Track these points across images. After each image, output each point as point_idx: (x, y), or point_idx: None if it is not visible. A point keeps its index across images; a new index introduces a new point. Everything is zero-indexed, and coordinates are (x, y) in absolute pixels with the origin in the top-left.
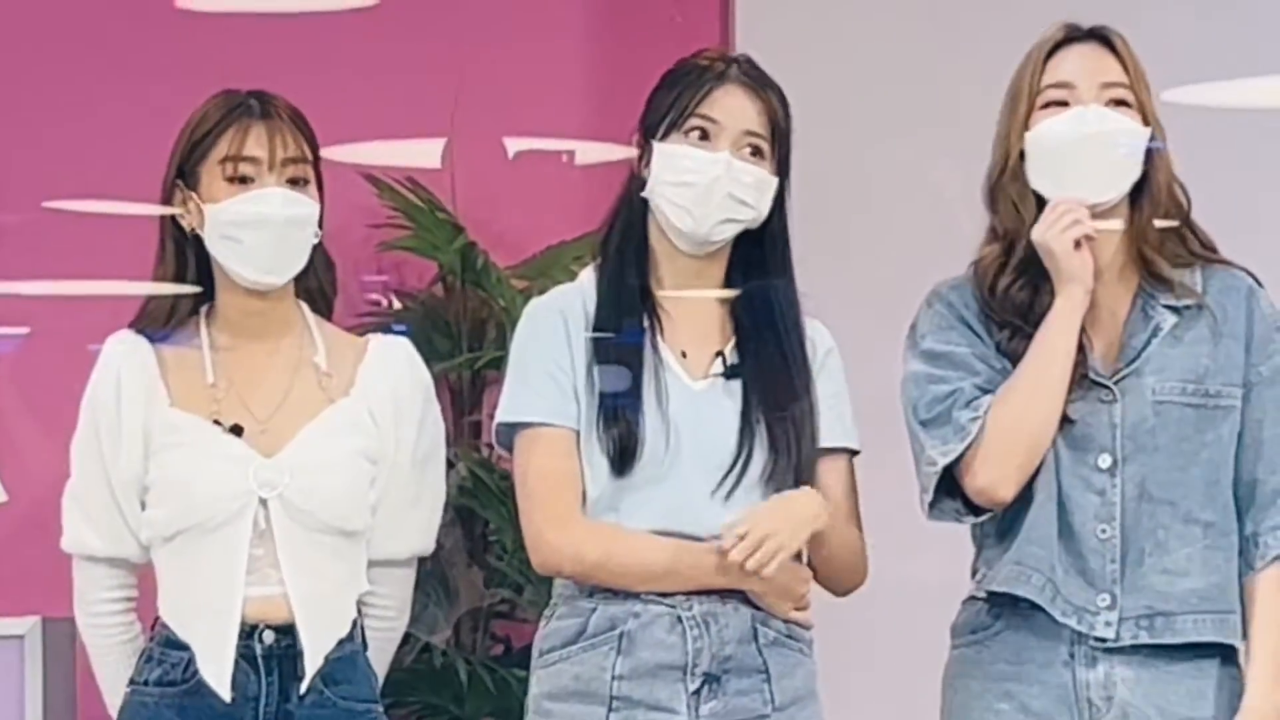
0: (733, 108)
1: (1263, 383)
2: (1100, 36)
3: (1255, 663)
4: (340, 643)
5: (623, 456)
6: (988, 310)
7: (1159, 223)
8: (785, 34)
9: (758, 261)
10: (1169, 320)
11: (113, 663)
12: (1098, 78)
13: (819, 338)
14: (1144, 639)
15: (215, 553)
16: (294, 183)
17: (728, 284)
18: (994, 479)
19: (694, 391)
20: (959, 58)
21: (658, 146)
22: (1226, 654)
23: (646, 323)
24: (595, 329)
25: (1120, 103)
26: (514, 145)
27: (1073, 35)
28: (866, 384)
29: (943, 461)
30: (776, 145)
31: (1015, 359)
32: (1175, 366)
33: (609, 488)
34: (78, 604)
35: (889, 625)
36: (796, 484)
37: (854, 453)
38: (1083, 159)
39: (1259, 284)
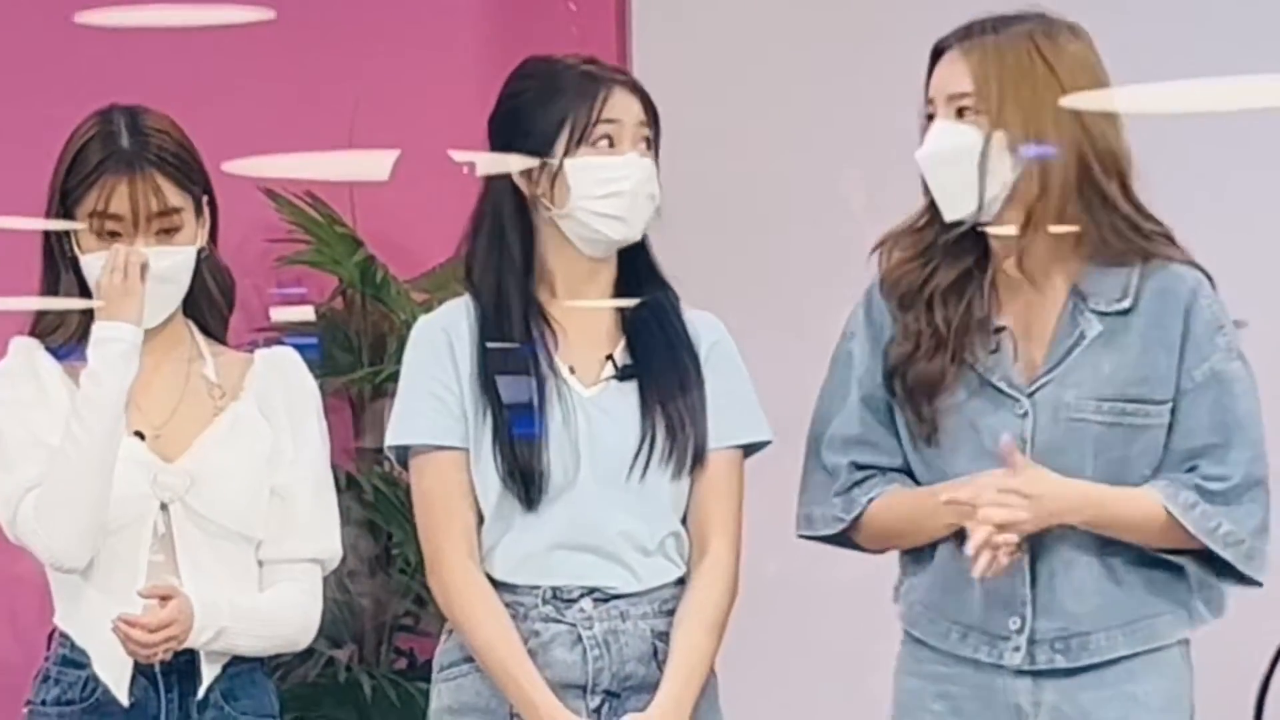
0: (625, 108)
1: (1195, 389)
2: (962, 42)
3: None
4: (239, 657)
5: (529, 489)
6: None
7: (1056, 229)
8: (682, 44)
9: (632, 259)
10: (1095, 328)
11: None
12: (946, 90)
13: (704, 329)
14: (1060, 663)
15: (114, 557)
16: (165, 233)
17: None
18: (869, 544)
19: (586, 399)
20: (861, 65)
21: (570, 163)
22: (1154, 656)
23: (539, 337)
24: (482, 348)
25: (970, 111)
26: (412, 157)
27: (941, 46)
28: (772, 391)
29: (818, 507)
30: (656, 138)
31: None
32: (1094, 379)
33: (504, 506)
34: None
35: (820, 619)
36: (692, 468)
37: (757, 445)
38: (934, 177)
39: (1209, 278)
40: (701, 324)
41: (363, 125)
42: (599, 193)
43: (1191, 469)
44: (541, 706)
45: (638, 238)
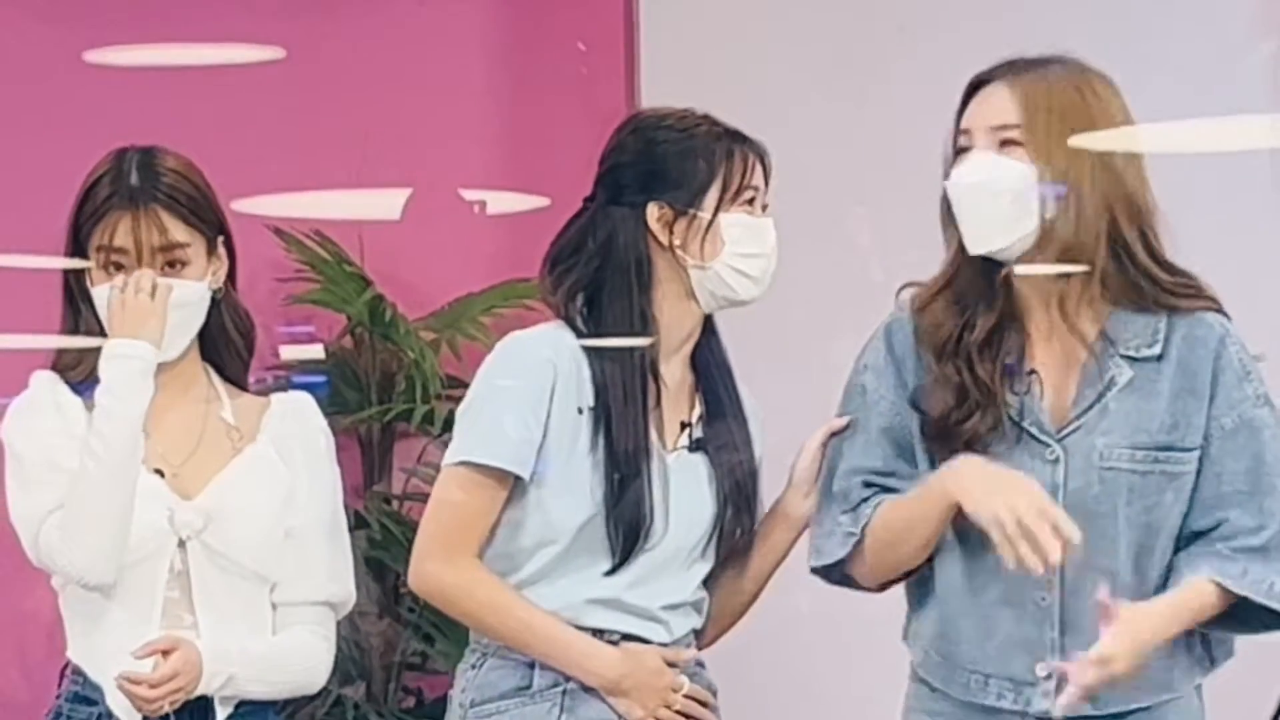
0: (762, 173)
1: (1224, 436)
2: (1004, 75)
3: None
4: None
5: (626, 543)
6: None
7: (1069, 268)
8: (690, 85)
9: (707, 324)
10: (1125, 374)
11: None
12: (988, 121)
13: (753, 408)
14: (1086, 710)
15: (130, 592)
16: (170, 265)
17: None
18: (867, 578)
19: (668, 462)
20: (868, 108)
21: (726, 219)
22: (1177, 704)
23: (649, 392)
24: (598, 393)
25: (1012, 143)
26: (420, 196)
27: (982, 79)
28: (776, 429)
29: (826, 526)
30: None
31: (952, 433)
32: (1126, 425)
33: (575, 547)
34: None
35: (826, 658)
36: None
37: None
38: (969, 209)
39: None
40: (747, 401)
41: (371, 164)
42: (746, 250)
43: (1221, 521)
44: (576, 643)
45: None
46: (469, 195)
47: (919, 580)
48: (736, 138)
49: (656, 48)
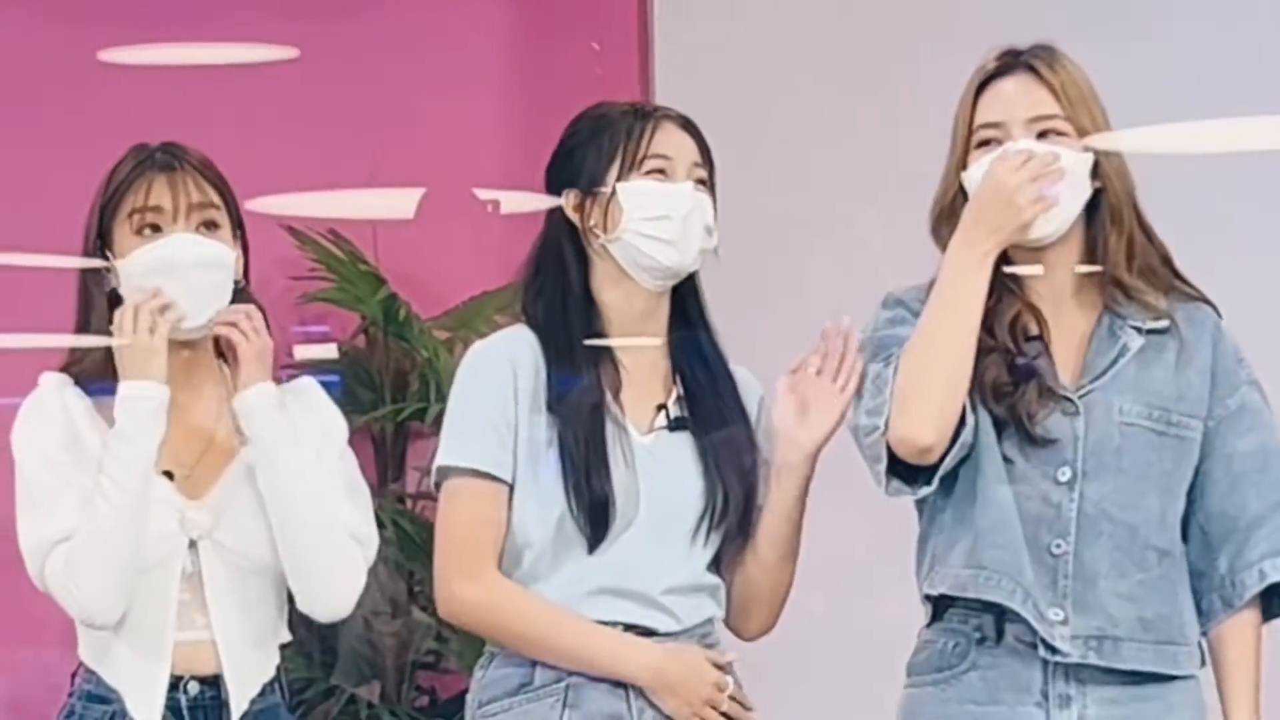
0: (678, 144)
1: (1231, 416)
2: (1029, 65)
3: (1234, 709)
4: (264, 694)
5: (595, 527)
6: None
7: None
8: (704, 83)
9: (684, 308)
10: (1136, 341)
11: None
12: (1025, 113)
13: (751, 387)
14: (1093, 660)
15: (144, 596)
16: (205, 226)
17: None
18: (910, 424)
19: (641, 446)
20: (881, 106)
21: (622, 187)
22: (1189, 686)
23: (601, 375)
24: (547, 381)
25: (1053, 133)
26: (434, 196)
27: (1002, 68)
28: None
29: (867, 421)
30: (712, 178)
31: (995, 389)
32: (1141, 389)
33: (556, 543)
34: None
35: (842, 662)
36: (746, 535)
37: None
38: None
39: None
40: (744, 381)
41: (385, 164)
42: (649, 214)
43: (1240, 506)
44: (613, 643)
45: (690, 267)
46: (483, 194)
47: (940, 524)
48: (640, 112)
49: (671, 48)
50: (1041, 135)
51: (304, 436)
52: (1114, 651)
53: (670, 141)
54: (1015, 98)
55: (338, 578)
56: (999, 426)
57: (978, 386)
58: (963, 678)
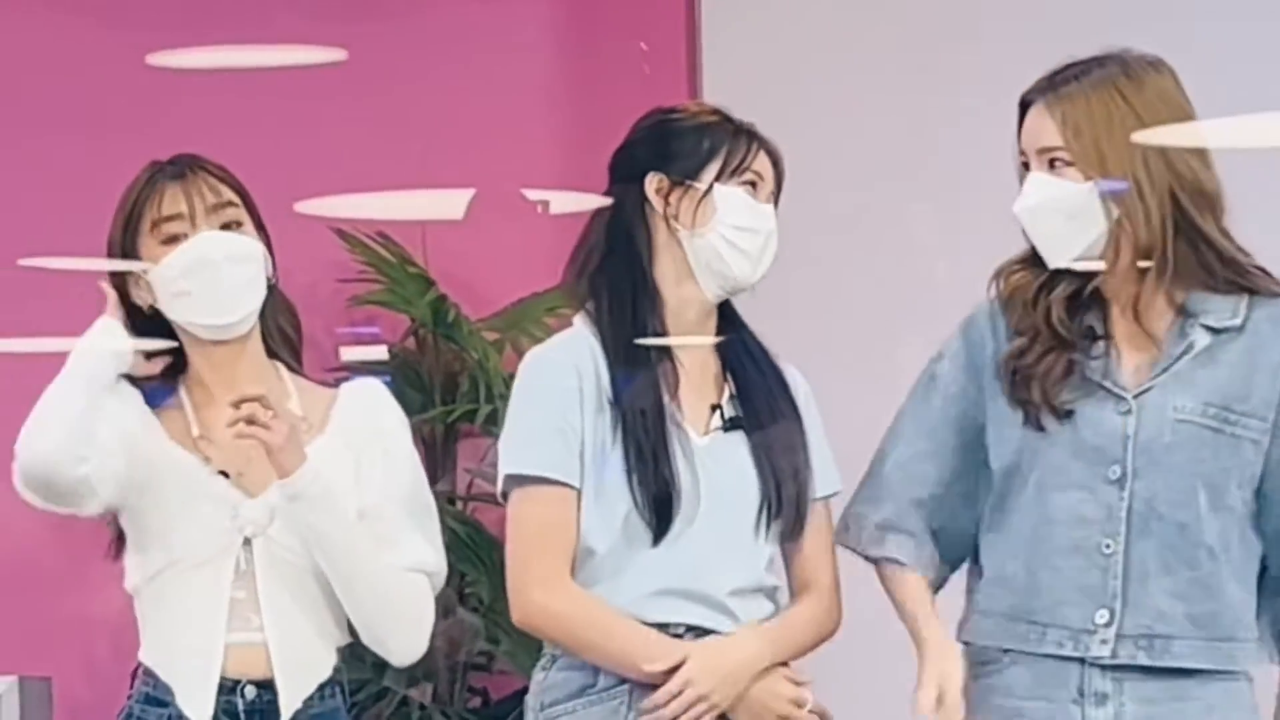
0: (768, 169)
1: None
2: (1041, 95)
3: None
4: (322, 696)
5: (660, 520)
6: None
7: (1141, 264)
8: (752, 85)
9: (723, 311)
10: (1204, 339)
11: None
12: (1035, 144)
13: (796, 382)
14: (1141, 660)
15: (198, 592)
16: (227, 226)
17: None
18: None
19: (700, 447)
20: (932, 104)
21: (721, 189)
22: (1231, 688)
23: (664, 376)
24: (611, 379)
25: (1061, 163)
26: (483, 197)
27: (1027, 96)
28: (841, 430)
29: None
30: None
31: (1023, 372)
32: (1201, 387)
33: (621, 542)
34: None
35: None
36: (797, 535)
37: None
38: (1033, 228)
39: None
40: (791, 376)
41: (434, 165)
42: (739, 223)
43: None
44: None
45: (749, 285)
46: (532, 195)
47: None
48: (744, 129)
49: (718, 47)
50: (1051, 165)
51: (349, 499)
52: (1164, 649)
53: (764, 164)
54: (1029, 130)
55: (407, 628)
56: (1048, 426)
57: (1037, 386)
58: (1005, 671)
